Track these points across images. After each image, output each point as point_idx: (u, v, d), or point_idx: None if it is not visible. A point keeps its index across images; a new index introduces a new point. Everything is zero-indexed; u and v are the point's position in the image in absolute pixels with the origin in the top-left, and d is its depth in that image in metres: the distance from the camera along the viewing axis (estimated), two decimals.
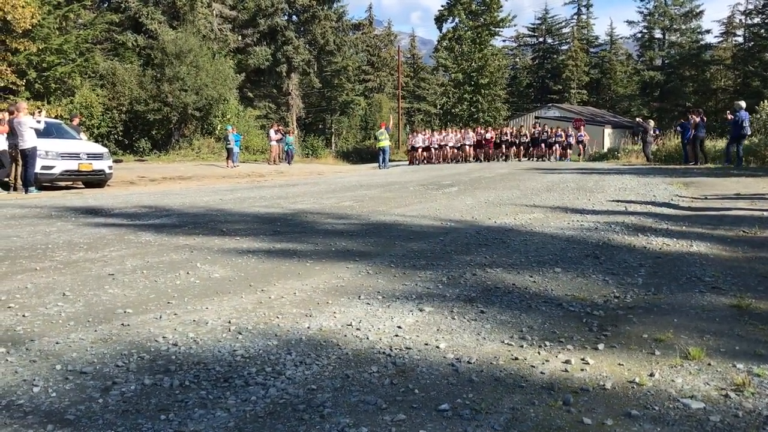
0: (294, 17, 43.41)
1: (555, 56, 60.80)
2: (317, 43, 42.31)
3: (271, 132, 25.85)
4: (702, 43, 51.88)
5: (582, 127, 27.41)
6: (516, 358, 2.71)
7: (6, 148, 12.82)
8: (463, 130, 27.81)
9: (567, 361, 2.68)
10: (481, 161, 25.47)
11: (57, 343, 2.84)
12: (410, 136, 29.02)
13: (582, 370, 2.60)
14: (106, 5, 34.44)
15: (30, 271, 4.32)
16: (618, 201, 8.42)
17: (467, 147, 26.46)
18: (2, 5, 22.23)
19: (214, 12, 37.10)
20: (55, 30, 25.70)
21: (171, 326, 3.09)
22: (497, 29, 49.05)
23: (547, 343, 2.90)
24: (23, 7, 22.78)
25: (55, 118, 20.23)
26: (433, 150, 26.96)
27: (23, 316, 3.25)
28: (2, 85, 23.46)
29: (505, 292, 3.76)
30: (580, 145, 26.26)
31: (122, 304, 3.48)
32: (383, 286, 3.91)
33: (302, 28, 43.00)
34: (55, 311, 3.34)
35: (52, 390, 2.32)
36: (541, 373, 2.56)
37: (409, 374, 2.52)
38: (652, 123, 25.99)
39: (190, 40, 29.06)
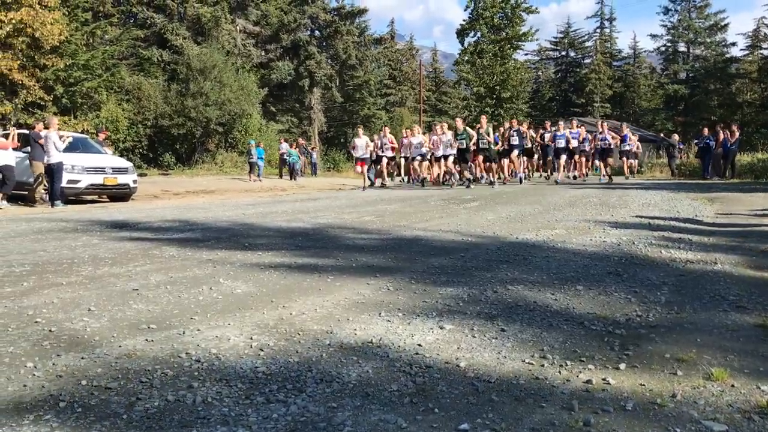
0: (316, 32, 43.79)
1: (578, 70, 60.63)
2: (339, 57, 42.62)
3: (282, 145, 26.50)
4: (727, 56, 51.46)
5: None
6: (537, 378, 2.71)
7: (10, 162, 13.02)
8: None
9: (588, 381, 2.67)
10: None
11: (82, 358, 2.88)
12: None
13: (603, 390, 2.58)
14: (132, 21, 35.02)
15: (56, 286, 4.40)
16: (641, 216, 8.35)
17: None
18: (31, 22, 22.71)
19: (238, 28, 37.55)
20: (82, 46, 26.19)
21: (194, 342, 3.13)
22: (519, 43, 49.06)
23: (569, 363, 2.88)
24: (51, 24, 23.25)
25: (82, 132, 20.58)
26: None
27: (50, 330, 3.30)
28: (31, 100, 23.92)
29: (527, 310, 3.75)
30: (625, 159, 19.99)
31: (146, 320, 3.53)
32: (404, 302, 3.92)
33: (324, 43, 43.36)
34: (81, 326, 3.40)
35: (78, 405, 2.36)
36: (562, 393, 2.55)
37: (430, 393, 2.53)
38: (676, 137, 25.76)
39: (215, 55, 29.43)
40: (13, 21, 22.50)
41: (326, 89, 42.89)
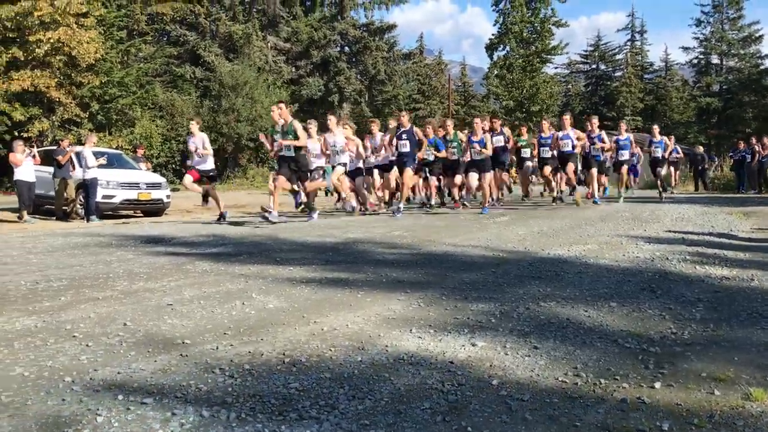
0: (346, 48, 44.14)
1: (608, 83, 60.06)
2: (368, 73, 42.88)
3: None
4: (762, 67, 50.57)
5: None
6: (571, 396, 2.68)
7: (24, 179, 13.35)
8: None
9: (623, 400, 2.63)
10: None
11: (119, 373, 2.93)
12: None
13: (638, 409, 2.55)
14: (165, 39, 35.71)
15: (93, 301, 4.48)
16: (675, 232, 8.23)
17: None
18: (68, 41, 23.29)
19: (269, 44, 38.03)
20: (117, 64, 26.78)
21: (227, 357, 3.16)
22: (549, 56, 48.91)
23: (602, 381, 2.85)
24: (88, 42, 23.83)
25: (116, 148, 20.99)
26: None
27: (87, 345, 3.37)
28: (67, 117, 24.49)
29: (560, 327, 3.72)
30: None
31: (180, 335, 3.57)
32: (435, 319, 3.91)
33: (354, 59, 43.67)
34: (117, 341, 3.45)
35: (115, 420, 2.40)
36: (597, 412, 2.53)
37: (462, 411, 2.52)
38: (700, 149, 25.34)
39: (246, 72, 29.85)
40: (51, 40, 23.12)
41: (355, 104, 43.15)
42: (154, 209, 14.89)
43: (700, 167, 23.74)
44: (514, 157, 16.31)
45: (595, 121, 14.59)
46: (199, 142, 11.37)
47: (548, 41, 48.12)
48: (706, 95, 52.03)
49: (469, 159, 13.09)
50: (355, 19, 44.44)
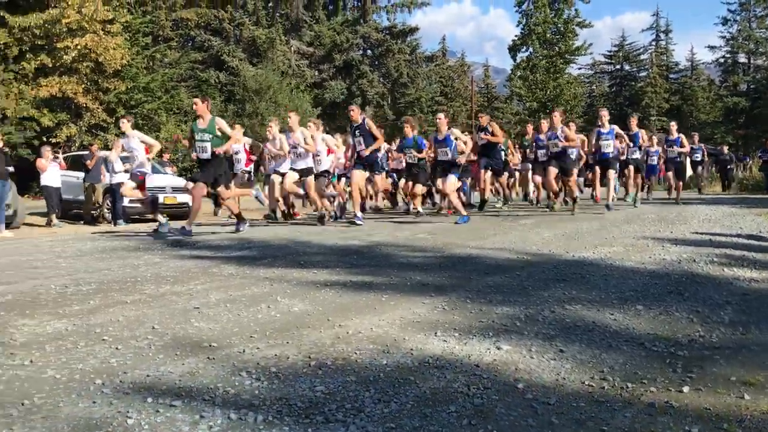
0: (368, 51, 44.29)
1: (633, 83, 59.51)
2: (391, 75, 43.01)
3: None
4: None
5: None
6: (597, 400, 2.66)
7: (50, 184, 13.60)
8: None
9: (651, 405, 2.61)
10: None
11: (148, 375, 2.97)
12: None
13: (666, 413, 2.53)
14: (190, 45, 36.10)
15: (121, 304, 4.54)
16: (702, 233, 8.14)
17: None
18: (95, 47, 23.65)
19: (292, 49, 38.25)
20: (142, 69, 27.14)
21: (254, 360, 3.19)
22: (572, 57, 48.62)
23: (629, 385, 2.83)
24: (114, 49, 24.19)
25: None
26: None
27: (116, 348, 3.42)
28: (94, 122, 24.88)
29: (585, 330, 3.70)
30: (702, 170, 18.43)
31: (207, 338, 3.61)
32: (459, 322, 3.91)
33: (376, 62, 43.83)
34: (146, 344, 3.50)
35: (145, 422, 2.44)
36: (624, 416, 2.51)
37: (488, 415, 2.52)
38: (725, 149, 25.01)
39: (270, 76, 30.05)
40: (79, 47, 23.51)
41: (378, 107, 43.29)
42: (179, 213, 15.04)
43: (727, 168, 23.45)
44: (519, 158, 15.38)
45: (605, 113, 13.24)
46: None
47: (572, 42, 47.91)
48: (733, 95, 51.36)
49: (433, 162, 11.91)
50: (378, 22, 44.65)
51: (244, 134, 13.60)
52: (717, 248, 6.77)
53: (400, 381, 2.89)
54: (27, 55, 23.82)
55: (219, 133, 9.15)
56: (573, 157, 12.64)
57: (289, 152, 11.16)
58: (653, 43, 60.11)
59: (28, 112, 23.02)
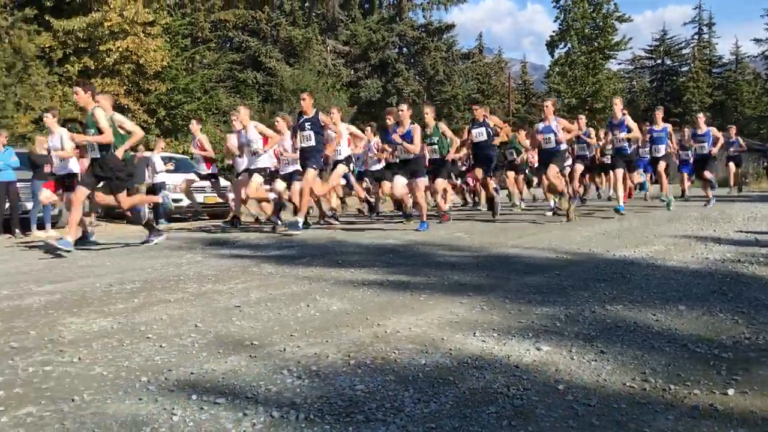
0: (404, 49, 44.25)
1: (675, 78, 58.38)
2: (427, 73, 42.89)
3: None
4: None
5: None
6: (639, 402, 2.64)
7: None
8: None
9: (694, 407, 2.57)
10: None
11: (192, 373, 3.04)
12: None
13: (710, 417, 2.49)
14: (228, 45, 36.50)
15: (164, 303, 4.64)
16: (746, 232, 7.96)
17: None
18: (136, 49, 24.11)
19: (329, 48, 38.43)
20: (182, 71, 27.55)
21: (294, 359, 3.23)
22: (612, 53, 47.88)
23: (672, 387, 2.79)
24: (155, 51, 24.63)
25: (183, 153, 21.60)
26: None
27: (161, 346, 3.50)
28: (135, 123, 25.33)
29: (627, 331, 3.66)
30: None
31: (249, 336, 3.67)
32: (498, 322, 3.90)
33: (412, 60, 43.76)
34: (189, 342, 3.57)
35: (190, 420, 2.49)
36: (667, 419, 2.48)
37: (528, 416, 2.51)
38: None
39: (306, 76, 30.21)
40: (120, 49, 23.98)
41: (414, 105, 43.21)
42: (219, 212, 15.27)
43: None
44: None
45: (619, 101, 11.96)
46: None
47: (611, 37, 47.11)
48: None
49: (391, 160, 10.72)
50: (414, 20, 44.53)
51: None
52: (763, 248, 6.62)
53: (440, 381, 2.90)
54: (71, 58, 24.37)
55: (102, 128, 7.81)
56: (562, 149, 10.95)
57: (255, 152, 10.13)
58: (695, 36, 58.87)
59: (72, 114, 23.56)
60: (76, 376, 3.03)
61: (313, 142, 9.47)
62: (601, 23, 47.48)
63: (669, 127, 12.35)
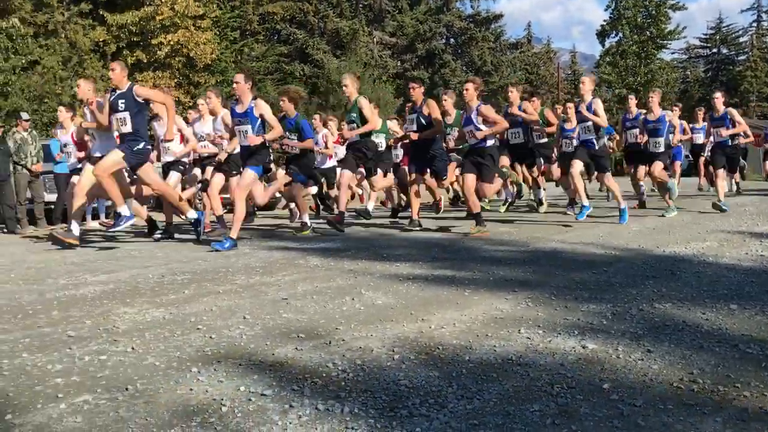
0: (451, 40, 43.97)
1: (731, 67, 56.61)
2: (474, 64, 42.57)
3: None
4: None
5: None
6: (686, 403, 2.60)
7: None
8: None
9: (743, 410, 2.53)
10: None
11: (240, 365, 3.11)
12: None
13: (761, 420, 2.44)
14: (276, 38, 36.82)
15: (214, 294, 4.75)
16: None
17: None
18: (187, 43, 24.56)
19: (375, 39, 38.45)
20: (231, 63, 27.95)
21: (339, 352, 3.28)
22: (665, 42, 46.69)
23: (721, 388, 2.75)
24: (204, 44, 25.04)
25: None
26: None
27: (210, 337, 3.59)
28: (185, 116, 25.84)
29: (675, 330, 3.60)
30: None
31: (295, 329, 3.74)
32: (544, 319, 3.88)
33: (459, 51, 43.47)
34: (237, 333, 3.66)
35: (238, 410, 2.56)
36: (715, 420, 2.44)
37: (573, 415, 2.50)
38: None
39: (353, 68, 30.28)
40: (171, 42, 24.47)
41: (461, 96, 42.95)
42: (268, 203, 15.47)
43: None
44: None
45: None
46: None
47: (664, 26, 45.93)
48: None
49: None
50: (461, 10, 44.21)
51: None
52: None
53: (483, 377, 2.91)
54: (124, 52, 25.01)
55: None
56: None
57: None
58: (754, 24, 56.99)
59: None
60: (130, 366, 3.14)
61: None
62: (653, 11, 46.32)
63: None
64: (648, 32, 46.33)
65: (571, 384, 2.82)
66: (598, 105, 8.89)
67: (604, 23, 48.59)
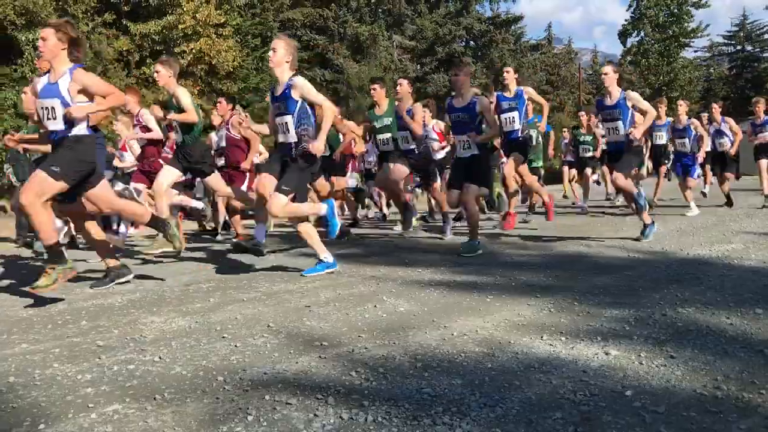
0: (471, 43, 43.91)
1: (756, 64, 55.77)
2: (494, 66, 42.42)
3: None
4: None
5: None
6: (710, 410, 2.59)
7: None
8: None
9: None
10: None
11: (264, 373, 3.16)
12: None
13: None
14: (296, 44, 36.98)
15: (238, 302, 4.81)
16: None
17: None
18: (209, 50, 24.82)
19: (395, 44, 38.51)
20: (252, 70, 28.16)
21: (362, 360, 3.32)
22: (687, 40, 46.21)
23: (746, 395, 2.73)
24: (226, 51, 25.29)
25: None
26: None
27: (235, 346, 3.64)
28: (208, 123, 26.11)
29: (699, 335, 3.58)
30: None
31: (318, 337, 3.78)
32: (566, 326, 3.88)
33: (479, 53, 43.38)
34: (261, 342, 3.71)
35: (264, 419, 2.60)
36: (739, 428, 2.43)
37: (595, 422, 2.51)
38: None
39: (373, 72, 30.41)
40: (194, 51, 24.75)
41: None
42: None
43: None
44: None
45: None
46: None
47: (687, 24, 45.49)
48: None
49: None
50: (481, 12, 44.14)
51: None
52: None
53: (506, 385, 2.92)
54: (147, 61, 25.34)
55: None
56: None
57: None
58: None
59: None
60: (157, 375, 3.20)
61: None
62: (675, 10, 45.91)
63: None
64: (670, 31, 45.92)
65: (593, 391, 2.82)
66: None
67: (626, 23, 48.27)
